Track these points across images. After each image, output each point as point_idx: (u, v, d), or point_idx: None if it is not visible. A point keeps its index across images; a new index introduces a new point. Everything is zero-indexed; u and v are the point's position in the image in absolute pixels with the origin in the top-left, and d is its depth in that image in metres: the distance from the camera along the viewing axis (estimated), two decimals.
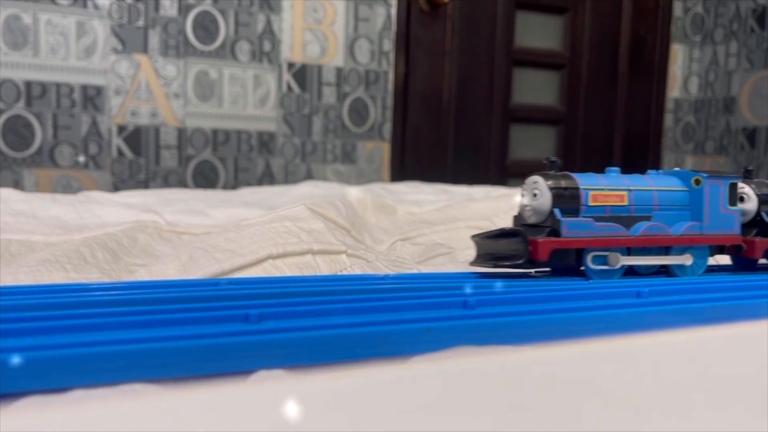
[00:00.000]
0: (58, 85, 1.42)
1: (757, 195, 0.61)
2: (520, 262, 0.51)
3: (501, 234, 0.52)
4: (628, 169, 0.61)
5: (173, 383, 0.33)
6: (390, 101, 1.75)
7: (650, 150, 2.13)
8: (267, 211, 0.77)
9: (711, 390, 0.32)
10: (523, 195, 0.54)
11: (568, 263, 0.54)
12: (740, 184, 0.62)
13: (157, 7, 1.49)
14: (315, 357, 0.36)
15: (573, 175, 0.54)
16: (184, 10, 1.51)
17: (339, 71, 1.68)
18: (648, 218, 0.56)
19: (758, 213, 0.61)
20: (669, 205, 0.57)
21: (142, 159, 1.51)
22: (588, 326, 0.44)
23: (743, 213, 0.61)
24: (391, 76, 1.74)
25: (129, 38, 1.47)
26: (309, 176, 1.66)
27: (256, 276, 0.55)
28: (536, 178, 0.54)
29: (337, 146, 1.69)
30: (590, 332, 0.44)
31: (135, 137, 1.50)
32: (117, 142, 1.49)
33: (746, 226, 0.61)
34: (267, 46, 1.60)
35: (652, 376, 0.33)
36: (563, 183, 0.53)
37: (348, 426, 0.26)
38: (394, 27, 1.73)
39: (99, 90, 1.45)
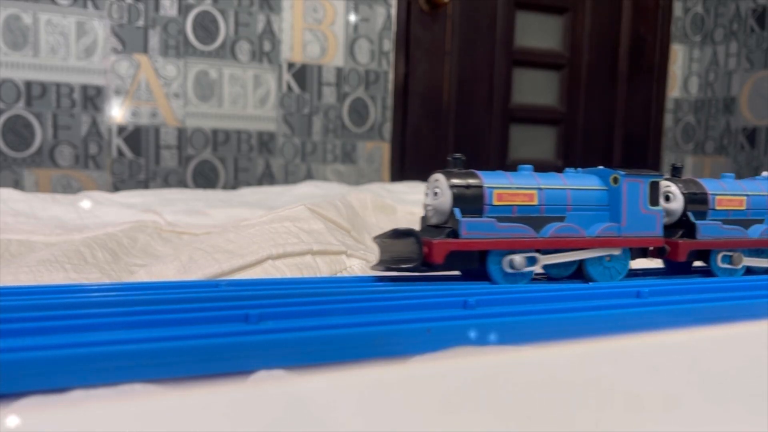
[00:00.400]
0: (58, 85, 1.42)
1: (683, 194, 0.58)
2: (413, 265, 0.48)
3: (396, 235, 0.49)
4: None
5: (173, 383, 0.33)
6: (390, 101, 1.75)
7: (650, 150, 2.13)
8: (267, 211, 0.77)
9: (711, 390, 0.32)
10: (426, 194, 0.51)
11: (470, 267, 0.51)
12: (666, 183, 0.58)
13: (157, 7, 1.49)
14: (315, 357, 0.36)
15: (478, 173, 0.51)
16: (184, 10, 1.51)
17: (339, 71, 1.68)
18: (561, 219, 0.52)
19: (684, 213, 0.57)
20: (585, 205, 0.54)
21: (142, 159, 1.51)
22: (588, 326, 0.44)
23: (669, 213, 0.58)
24: (391, 76, 1.74)
25: (129, 38, 1.47)
26: (309, 176, 1.66)
27: (256, 278, 0.55)
28: (437, 176, 0.50)
29: (337, 146, 1.69)
30: (590, 332, 0.44)
31: (135, 137, 1.50)
32: (117, 142, 1.49)
33: (672, 227, 0.58)
34: (267, 46, 1.60)
35: (652, 376, 0.33)
36: (465, 181, 0.50)
37: (348, 426, 0.26)
38: (394, 27, 1.73)
39: (99, 90, 1.45)
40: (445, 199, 0.49)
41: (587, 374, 0.33)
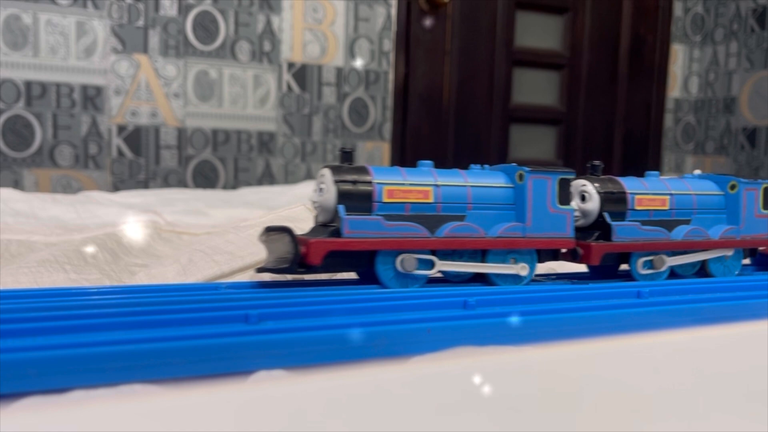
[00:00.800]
0: (58, 85, 1.42)
1: (599, 193, 0.54)
2: (287, 266, 0.44)
3: (271, 232, 0.45)
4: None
5: (173, 383, 0.33)
6: (390, 101, 1.75)
7: (650, 150, 2.13)
8: (267, 211, 0.77)
9: (711, 390, 0.32)
10: (314, 190, 0.48)
11: (356, 269, 0.48)
12: (581, 182, 0.55)
13: (157, 7, 1.49)
14: (315, 357, 0.36)
15: (370, 168, 0.48)
16: (184, 10, 1.51)
17: (339, 71, 1.68)
18: (460, 218, 0.49)
19: (600, 214, 0.54)
20: (488, 204, 0.50)
21: (142, 159, 1.51)
22: (588, 326, 0.44)
23: (585, 214, 0.54)
24: (391, 76, 1.74)
25: (129, 38, 1.47)
26: (309, 176, 1.66)
27: (256, 279, 0.55)
28: (324, 171, 0.47)
29: (337, 146, 1.69)
30: (590, 332, 0.44)
31: (135, 137, 1.50)
32: (117, 142, 1.48)
33: (588, 229, 0.54)
34: (267, 46, 1.60)
35: (652, 376, 0.33)
36: (352, 177, 0.46)
37: (348, 426, 0.26)
38: (394, 27, 1.73)
39: (99, 90, 1.45)
40: (330, 195, 0.46)
41: (587, 374, 0.33)
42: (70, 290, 0.44)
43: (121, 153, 1.49)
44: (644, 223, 0.55)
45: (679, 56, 2.13)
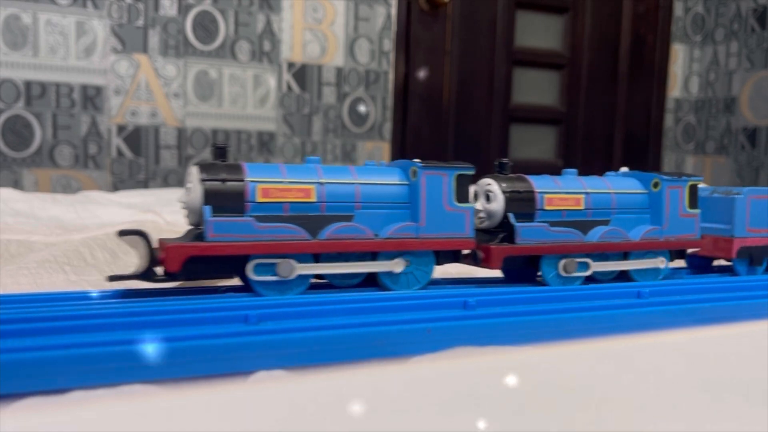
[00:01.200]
0: (57, 85, 1.42)
1: (505, 193, 0.51)
2: (142, 273, 0.41)
3: (125, 235, 0.41)
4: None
5: (173, 383, 0.33)
6: (390, 101, 1.75)
7: (651, 150, 2.13)
8: None
9: (711, 390, 0.32)
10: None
11: (223, 275, 0.45)
12: (488, 180, 0.52)
13: (156, 7, 1.49)
14: (315, 357, 0.36)
15: (245, 165, 0.44)
16: (183, 9, 1.51)
17: (339, 71, 1.68)
18: (348, 218, 0.46)
19: (505, 214, 0.51)
20: (379, 203, 0.47)
21: (141, 159, 1.51)
22: (588, 326, 0.44)
23: (490, 215, 0.51)
24: (391, 76, 1.74)
25: (129, 38, 1.47)
26: None
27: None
28: (191, 170, 0.44)
29: (337, 146, 1.69)
30: (590, 332, 0.44)
31: (135, 137, 1.50)
32: (117, 142, 1.48)
33: (494, 230, 0.51)
34: (267, 46, 1.60)
35: (652, 376, 0.33)
36: (222, 175, 0.43)
37: (348, 426, 0.26)
38: (394, 27, 1.73)
39: (99, 90, 1.45)
40: (197, 195, 0.42)
41: (587, 374, 0.33)
42: (70, 295, 0.44)
43: (120, 153, 1.49)
44: (555, 224, 0.51)
45: (679, 56, 2.13)
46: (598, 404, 0.30)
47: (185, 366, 0.34)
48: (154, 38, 1.49)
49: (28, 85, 1.39)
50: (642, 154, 2.12)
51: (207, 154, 1.56)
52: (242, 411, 0.25)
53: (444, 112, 1.84)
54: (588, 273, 0.50)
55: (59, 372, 0.31)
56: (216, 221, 0.41)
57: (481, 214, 0.52)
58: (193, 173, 0.43)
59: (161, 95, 1.51)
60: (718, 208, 0.59)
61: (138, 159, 1.50)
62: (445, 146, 1.84)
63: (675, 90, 2.14)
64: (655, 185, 0.55)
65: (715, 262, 0.65)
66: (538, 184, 0.52)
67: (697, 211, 0.56)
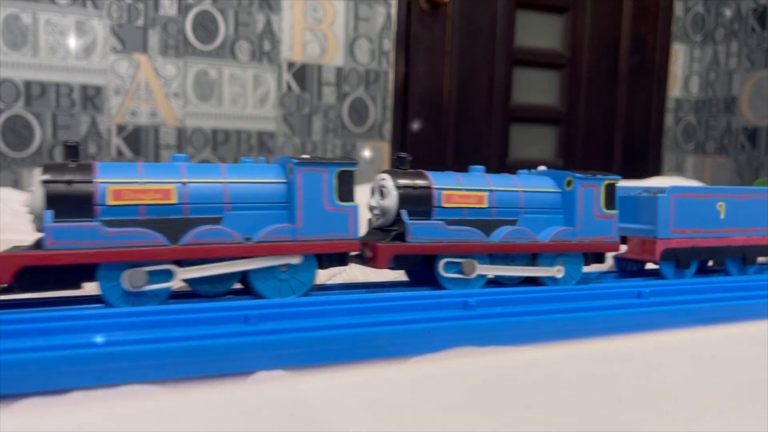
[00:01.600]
0: (57, 85, 1.42)
1: (398, 189, 0.48)
2: None
3: None
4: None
5: (173, 383, 0.33)
6: (390, 101, 1.75)
7: (651, 150, 2.13)
8: None
9: (711, 390, 0.32)
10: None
11: (68, 287, 0.40)
12: (383, 176, 0.49)
13: (156, 7, 1.49)
14: (315, 357, 0.36)
15: (97, 165, 0.40)
16: (183, 9, 1.51)
17: (339, 71, 1.68)
18: (216, 221, 0.42)
19: (398, 211, 0.48)
20: (253, 203, 0.43)
21: (141, 159, 1.51)
22: (588, 326, 0.44)
23: (384, 212, 0.49)
24: (391, 76, 1.74)
25: (128, 38, 1.47)
26: None
27: None
28: (35, 171, 0.40)
29: (337, 146, 1.69)
30: (590, 332, 0.44)
31: (134, 137, 1.50)
32: (117, 141, 1.49)
33: (389, 228, 0.49)
34: (267, 46, 1.60)
35: (652, 376, 0.33)
36: (68, 176, 0.38)
37: (348, 426, 0.26)
38: (394, 27, 1.73)
39: (98, 90, 1.45)
40: (38, 200, 0.38)
41: (588, 374, 0.33)
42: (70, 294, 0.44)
43: (120, 153, 1.49)
44: (453, 222, 0.48)
45: (679, 56, 2.13)
46: (598, 404, 0.30)
47: (185, 366, 0.34)
48: (153, 38, 1.49)
49: (28, 85, 1.39)
50: (642, 153, 2.12)
51: (207, 154, 1.56)
52: (242, 411, 0.25)
53: (444, 112, 1.84)
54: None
55: (59, 372, 0.31)
56: (55, 227, 0.37)
57: (376, 212, 0.49)
58: (35, 174, 0.39)
59: (161, 95, 1.51)
60: (644, 208, 0.57)
61: (138, 159, 1.50)
62: (445, 146, 1.84)
63: (675, 90, 2.14)
64: (568, 184, 0.52)
65: (648, 266, 0.62)
66: (437, 180, 0.49)
67: (614, 212, 0.53)
